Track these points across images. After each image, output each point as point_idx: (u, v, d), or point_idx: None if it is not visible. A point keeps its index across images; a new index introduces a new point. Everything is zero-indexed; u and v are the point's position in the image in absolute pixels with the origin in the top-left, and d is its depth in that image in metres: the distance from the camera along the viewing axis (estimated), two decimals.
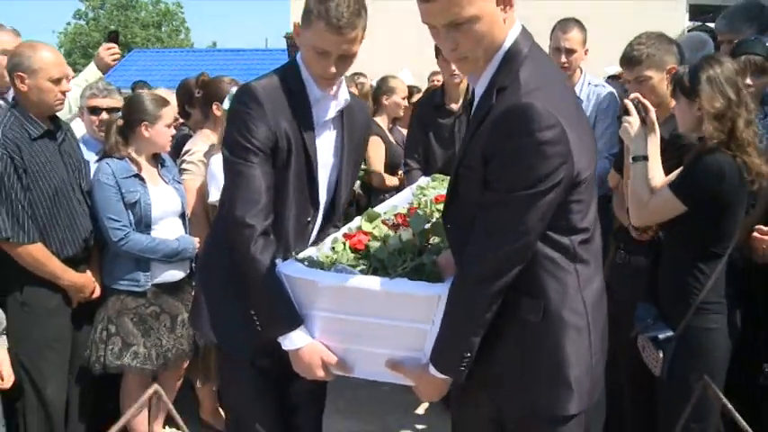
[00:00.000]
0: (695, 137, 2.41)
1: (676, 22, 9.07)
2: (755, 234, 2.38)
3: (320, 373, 1.90)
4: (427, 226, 2.14)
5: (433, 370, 1.77)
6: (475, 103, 1.75)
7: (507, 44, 1.66)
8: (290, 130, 1.94)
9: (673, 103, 2.56)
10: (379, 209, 2.47)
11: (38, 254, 2.68)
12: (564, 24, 3.65)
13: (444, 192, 2.59)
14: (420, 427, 3.74)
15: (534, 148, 1.53)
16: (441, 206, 2.40)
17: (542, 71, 1.66)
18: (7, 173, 2.59)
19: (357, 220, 2.35)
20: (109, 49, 3.64)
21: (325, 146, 2.08)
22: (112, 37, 3.74)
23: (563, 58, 3.60)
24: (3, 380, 2.57)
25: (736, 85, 2.33)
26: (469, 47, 1.62)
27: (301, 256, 1.96)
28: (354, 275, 1.84)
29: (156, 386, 1.60)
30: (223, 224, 2.01)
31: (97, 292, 2.91)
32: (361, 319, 1.82)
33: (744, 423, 1.69)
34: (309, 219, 2.08)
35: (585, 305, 1.71)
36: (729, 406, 1.92)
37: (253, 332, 1.94)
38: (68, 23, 38.01)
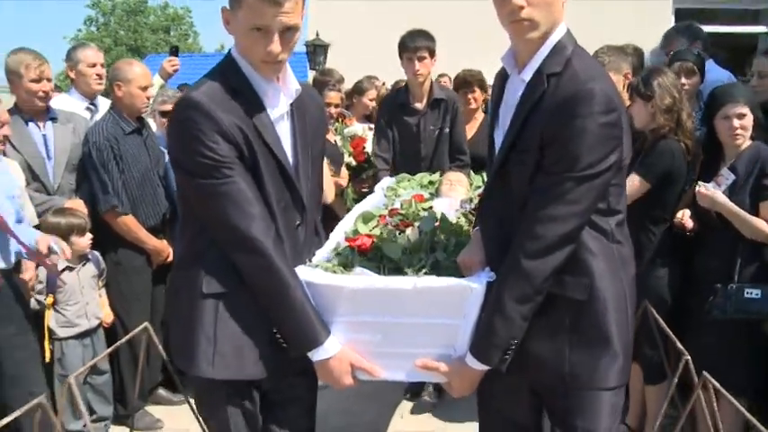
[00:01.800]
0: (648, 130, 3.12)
1: (662, 24, 9.71)
2: (700, 190, 2.92)
3: (349, 381, 1.85)
4: (435, 224, 2.20)
5: (472, 362, 1.77)
6: (514, 89, 1.79)
7: (558, 35, 1.72)
8: (248, 133, 1.75)
9: (627, 102, 3.26)
10: (354, 212, 2.50)
11: (130, 223, 3.43)
12: None
13: (418, 192, 2.88)
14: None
15: (598, 129, 1.60)
16: (425, 205, 2.55)
17: (592, 63, 1.76)
18: (108, 159, 3.34)
19: (348, 223, 2.36)
20: (170, 61, 4.45)
21: (284, 144, 1.87)
22: (173, 51, 4.56)
23: None
24: (106, 318, 3.31)
25: (678, 87, 3.10)
26: (538, 10, 1.65)
27: (315, 262, 1.94)
28: (379, 277, 1.84)
29: None
30: (213, 255, 1.80)
31: (170, 257, 3.64)
32: (389, 320, 1.80)
33: (678, 343, 2.37)
34: (298, 222, 1.91)
35: (624, 284, 1.77)
36: (664, 325, 2.62)
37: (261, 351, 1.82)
38: (79, 30, 38.84)
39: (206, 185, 1.72)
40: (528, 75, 1.72)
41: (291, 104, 1.90)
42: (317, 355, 1.80)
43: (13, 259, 2.84)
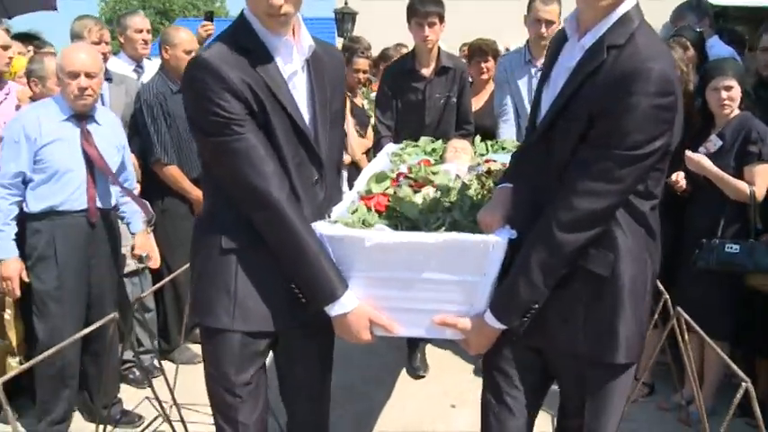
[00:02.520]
0: None
1: None
2: (688, 154, 3.22)
3: (366, 337, 1.87)
4: (451, 183, 2.26)
5: (491, 320, 1.79)
6: (571, 53, 1.77)
7: (625, 8, 1.68)
8: (259, 91, 1.77)
9: None
10: (364, 174, 2.50)
11: (175, 174, 3.81)
12: None
13: (424, 157, 2.92)
14: None
15: (651, 110, 1.57)
16: (435, 169, 2.57)
17: (656, 41, 1.70)
18: (157, 115, 3.71)
19: (362, 183, 2.37)
20: (204, 26, 4.73)
21: (299, 101, 1.88)
22: (208, 16, 4.87)
23: (543, 29, 3.75)
24: (155, 261, 3.72)
25: (684, 60, 3.37)
26: None
27: (334, 218, 1.96)
28: (401, 232, 1.87)
29: None
30: (231, 213, 1.84)
31: None
32: (410, 275, 1.81)
33: (660, 285, 2.66)
34: (316, 179, 1.91)
35: (647, 267, 1.77)
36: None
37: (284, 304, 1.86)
38: None
39: (218, 143, 1.75)
40: (589, 42, 1.69)
41: (308, 60, 1.91)
42: (334, 310, 1.82)
43: (113, 203, 3.24)
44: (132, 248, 3.47)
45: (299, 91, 1.89)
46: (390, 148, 3.18)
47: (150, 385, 2.88)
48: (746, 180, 3.11)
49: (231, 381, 1.90)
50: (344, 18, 9.00)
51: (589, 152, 1.64)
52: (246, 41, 1.80)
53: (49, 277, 3.03)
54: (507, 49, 6.49)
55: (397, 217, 2.04)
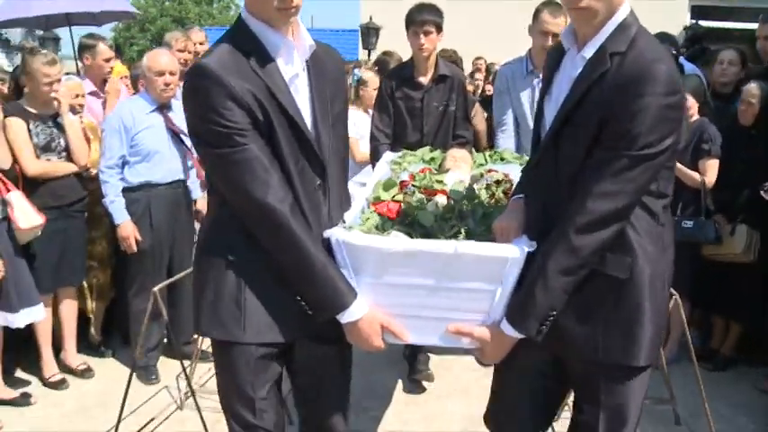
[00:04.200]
0: None
1: (676, 21, 9.82)
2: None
3: (378, 343, 1.85)
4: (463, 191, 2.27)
5: (508, 329, 1.78)
6: (572, 64, 1.79)
7: (621, 15, 1.71)
8: (261, 97, 1.73)
9: None
10: (369, 183, 2.48)
11: None
12: (553, 9, 3.69)
13: (423, 165, 2.89)
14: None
15: (661, 110, 1.59)
16: (440, 177, 2.56)
17: (656, 43, 1.73)
18: None
19: (369, 190, 2.35)
20: None
21: (300, 103, 1.85)
22: None
23: (548, 42, 3.68)
24: None
25: None
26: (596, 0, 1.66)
27: (349, 224, 1.94)
28: (419, 240, 1.88)
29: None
30: (233, 227, 1.82)
31: None
32: (426, 283, 1.80)
33: None
34: (318, 183, 1.88)
35: (664, 266, 1.78)
36: None
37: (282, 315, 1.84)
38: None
39: (221, 154, 1.72)
40: (589, 52, 1.72)
41: (307, 62, 1.88)
42: (345, 318, 1.81)
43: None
44: (196, 213, 4.20)
45: (301, 93, 1.87)
46: (388, 156, 3.12)
47: (184, 370, 3.28)
48: (699, 171, 3.94)
49: (249, 396, 1.88)
50: (369, 32, 9.76)
51: (602, 155, 1.66)
52: (246, 45, 1.77)
53: (146, 236, 3.89)
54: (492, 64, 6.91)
55: (410, 224, 2.04)
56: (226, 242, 1.85)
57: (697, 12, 10.79)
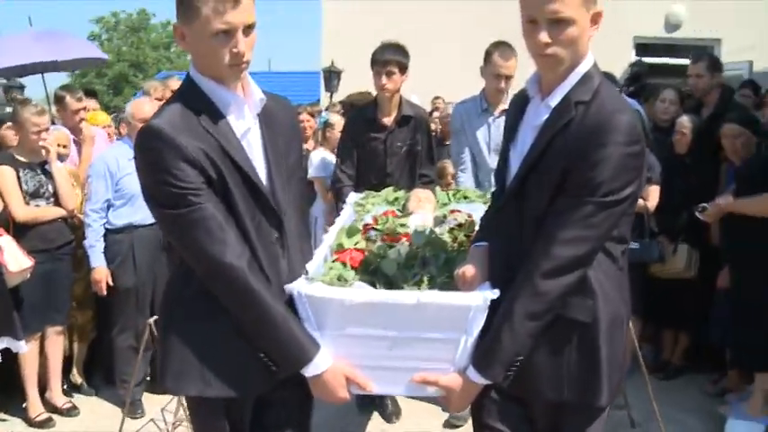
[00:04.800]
0: None
1: (622, 57, 10.03)
2: None
3: (344, 395, 1.85)
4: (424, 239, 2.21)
5: (475, 376, 1.79)
6: (536, 112, 1.82)
7: (586, 66, 1.76)
8: (214, 155, 1.73)
9: None
10: (332, 229, 2.47)
11: None
12: (504, 51, 3.73)
13: (388, 208, 2.92)
14: None
15: (623, 159, 1.65)
16: (402, 221, 2.57)
17: (617, 94, 1.82)
18: None
19: (331, 237, 2.34)
20: None
21: (254, 158, 1.84)
22: None
23: (501, 84, 3.76)
24: None
25: None
26: (562, 46, 1.69)
27: (311, 275, 1.93)
28: (382, 291, 1.88)
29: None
30: (193, 284, 1.82)
31: None
32: (389, 333, 1.80)
33: None
34: (276, 237, 1.88)
35: (623, 309, 1.83)
36: None
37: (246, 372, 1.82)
38: None
39: (176, 215, 1.72)
40: (555, 101, 1.76)
41: (259, 115, 1.87)
42: (309, 371, 1.80)
43: None
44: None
45: (254, 147, 1.86)
46: (352, 197, 3.11)
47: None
48: (642, 197, 4.29)
49: None
50: (331, 76, 10.05)
51: (566, 202, 1.70)
52: (197, 104, 1.78)
53: (129, 276, 4.07)
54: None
55: (373, 272, 2.04)
56: (188, 298, 1.85)
57: (641, 49, 11.24)
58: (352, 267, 2.09)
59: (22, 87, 10.70)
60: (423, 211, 2.85)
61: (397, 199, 3.11)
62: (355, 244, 2.29)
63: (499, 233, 1.92)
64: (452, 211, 2.80)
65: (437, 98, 7.46)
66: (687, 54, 9.78)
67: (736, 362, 4.06)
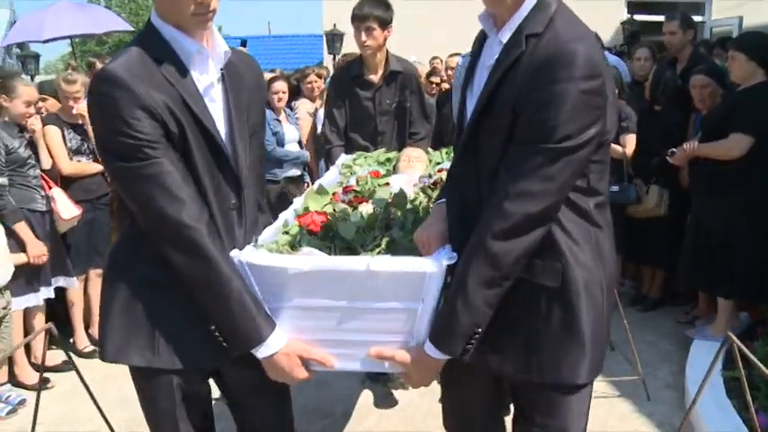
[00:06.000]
0: None
1: (615, 16, 10.68)
2: None
3: (302, 374, 1.70)
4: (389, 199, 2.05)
5: (432, 351, 1.63)
6: (490, 50, 1.64)
7: None
8: (174, 107, 1.60)
9: None
10: (314, 187, 2.32)
11: None
12: None
13: (375, 168, 2.73)
14: None
15: (577, 96, 1.43)
16: (381, 180, 2.37)
17: (578, 22, 1.57)
18: None
19: (301, 200, 2.17)
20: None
21: (215, 115, 1.71)
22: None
23: None
24: None
25: None
26: None
27: (260, 242, 1.77)
28: (328, 258, 1.70)
29: None
30: (144, 246, 1.67)
31: None
32: (341, 304, 1.65)
33: None
34: (233, 203, 1.74)
35: (601, 273, 1.62)
36: None
37: (202, 344, 1.69)
38: None
39: (130, 168, 1.57)
40: (506, 35, 1.57)
41: (222, 70, 1.75)
42: (260, 352, 1.66)
43: None
44: None
45: (216, 104, 1.73)
46: (342, 159, 2.98)
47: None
48: (621, 144, 4.75)
49: (177, 428, 1.77)
50: (334, 38, 10.32)
51: (517, 150, 1.51)
52: (157, 52, 1.64)
53: None
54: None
55: (333, 237, 1.88)
56: (136, 261, 1.71)
57: (633, 6, 11.39)
58: (313, 232, 1.92)
59: (37, 57, 11.11)
60: (412, 170, 2.71)
61: (389, 159, 3.01)
62: (323, 207, 2.13)
63: (456, 189, 1.75)
64: (439, 170, 2.63)
65: (434, 58, 7.48)
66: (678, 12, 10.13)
67: (700, 286, 4.48)
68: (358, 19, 3.42)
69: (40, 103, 4.63)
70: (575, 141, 1.48)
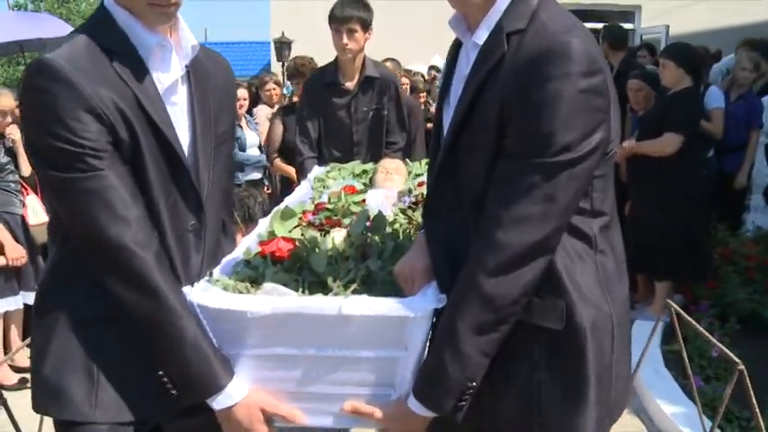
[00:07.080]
0: None
1: None
2: None
3: (263, 430, 1.44)
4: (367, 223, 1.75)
5: (417, 407, 1.36)
6: (467, 57, 1.40)
7: None
8: (126, 110, 1.34)
9: None
10: (280, 208, 1.98)
11: None
12: None
13: (348, 183, 2.39)
14: None
15: (575, 97, 1.18)
16: (357, 197, 2.10)
17: (565, 13, 1.31)
18: None
19: (266, 222, 1.90)
20: None
21: (177, 122, 1.45)
22: None
23: None
24: None
25: None
26: None
27: (216, 276, 1.51)
28: (293, 296, 1.42)
29: None
30: (82, 269, 1.40)
31: None
32: (310, 352, 1.40)
33: None
34: (192, 224, 1.49)
35: (610, 308, 1.34)
36: None
37: (154, 397, 1.42)
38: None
39: (67, 180, 1.31)
40: (482, 36, 1.33)
41: (188, 68, 1.50)
42: (216, 402, 1.42)
43: None
44: None
45: (179, 108, 1.48)
46: (315, 172, 2.74)
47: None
48: None
49: None
50: (282, 46, 10.50)
51: (507, 168, 1.26)
52: (110, 42, 1.38)
53: None
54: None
55: (300, 269, 1.58)
56: (73, 293, 1.44)
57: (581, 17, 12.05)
58: (279, 261, 1.63)
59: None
60: (391, 183, 2.46)
61: (365, 171, 2.74)
62: (290, 231, 1.83)
63: (435, 215, 1.50)
64: (420, 184, 2.30)
65: (415, 74, 7.16)
66: (611, 20, 10.73)
67: (639, 270, 4.77)
68: (338, 21, 3.18)
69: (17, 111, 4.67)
70: (576, 152, 1.22)
